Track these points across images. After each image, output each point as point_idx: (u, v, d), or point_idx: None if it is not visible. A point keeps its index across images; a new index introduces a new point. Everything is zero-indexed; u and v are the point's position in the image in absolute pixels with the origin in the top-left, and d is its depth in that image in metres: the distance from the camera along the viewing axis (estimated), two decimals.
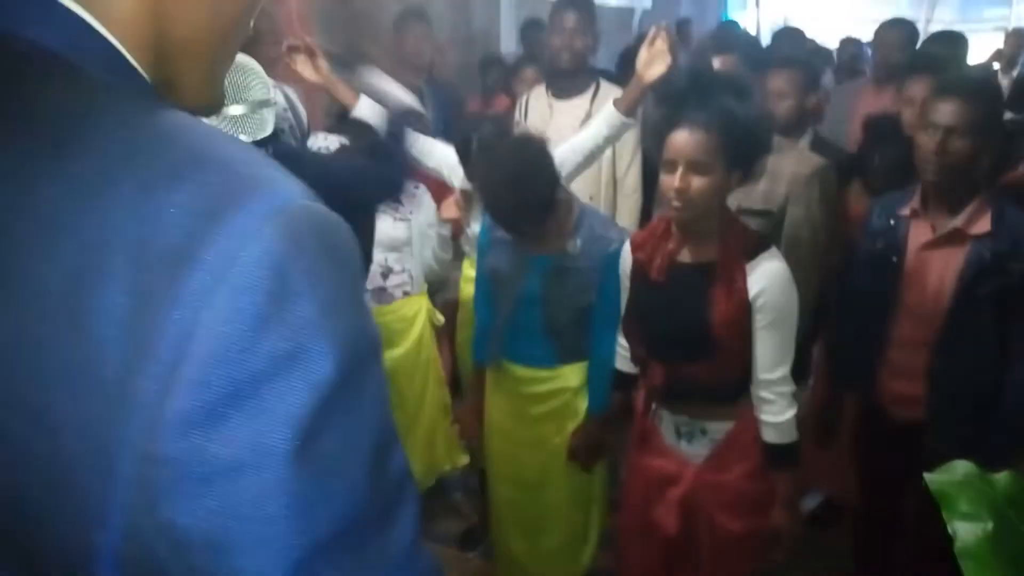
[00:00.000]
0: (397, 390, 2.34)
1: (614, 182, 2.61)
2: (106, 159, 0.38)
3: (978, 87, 1.71)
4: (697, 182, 1.46)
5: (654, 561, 1.74)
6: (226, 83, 0.69)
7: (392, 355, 2.34)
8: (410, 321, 2.39)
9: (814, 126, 2.44)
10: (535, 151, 1.74)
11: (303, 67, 2.20)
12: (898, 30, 3.23)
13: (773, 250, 1.55)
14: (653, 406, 1.72)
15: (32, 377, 0.36)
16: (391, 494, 0.41)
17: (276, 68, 2.08)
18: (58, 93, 0.40)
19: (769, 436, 1.57)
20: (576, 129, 2.25)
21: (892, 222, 1.84)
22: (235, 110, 1.46)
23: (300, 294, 0.37)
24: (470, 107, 3.37)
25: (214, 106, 0.52)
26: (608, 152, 2.40)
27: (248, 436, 0.36)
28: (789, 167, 2.01)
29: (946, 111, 1.66)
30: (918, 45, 3.29)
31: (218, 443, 0.35)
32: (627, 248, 1.71)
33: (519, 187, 1.66)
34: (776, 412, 1.55)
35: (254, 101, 1.49)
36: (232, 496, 0.36)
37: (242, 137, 1.45)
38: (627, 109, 1.99)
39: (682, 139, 1.46)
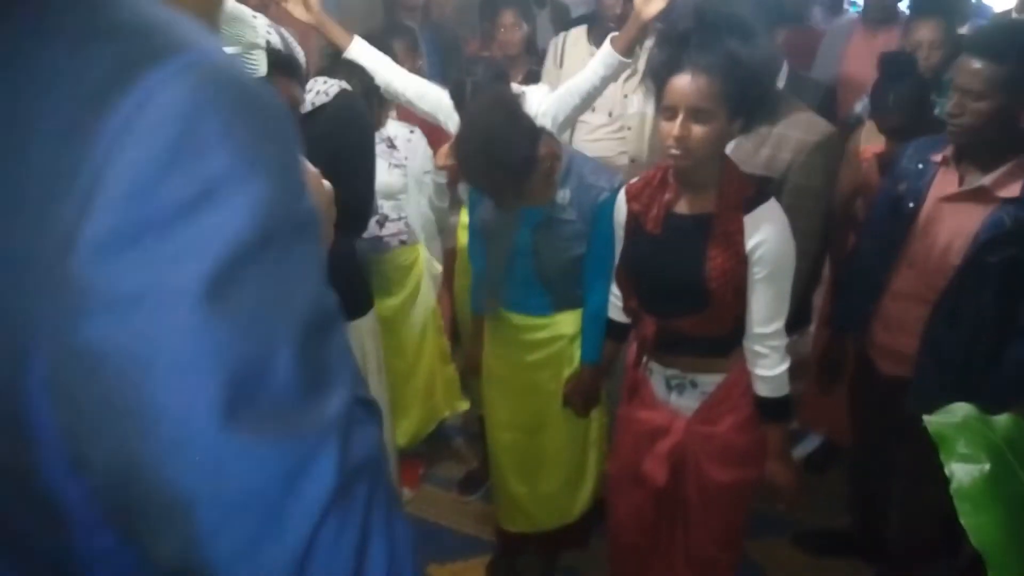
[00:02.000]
0: (395, 338, 2.35)
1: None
2: (48, 15, 0.42)
3: (1005, 46, 1.55)
4: (698, 130, 1.41)
5: (644, 511, 1.76)
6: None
7: (389, 303, 2.34)
8: (407, 270, 2.39)
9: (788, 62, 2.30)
10: (507, 116, 1.65)
11: (295, 7, 2.15)
12: None
13: (772, 202, 1.52)
14: (644, 358, 1.71)
15: None
16: (323, 372, 0.43)
17: (268, 11, 2.02)
18: None
19: (762, 390, 1.57)
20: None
21: (921, 166, 1.76)
22: (229, 51, 1.43)
23: (210, 145, 0.39)
24: (469, 49, 3.28)
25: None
26: (651, 112, 2.35)
27: (156, 270, 0.38)
28: (796, 133, 1.88)
29: (966, 72, 1.57)
30: None
31: (127, 270, 0.38)
32: (622, 198, 1.67)
33: (491, 158, 1.59)
34: (770, 366, 1.55)
35: (247, 43, 1.46)
36: (146, 328, 0.38)
37: None
38: (624, 48, 1.94)
39: (684, 84, 1.40)
